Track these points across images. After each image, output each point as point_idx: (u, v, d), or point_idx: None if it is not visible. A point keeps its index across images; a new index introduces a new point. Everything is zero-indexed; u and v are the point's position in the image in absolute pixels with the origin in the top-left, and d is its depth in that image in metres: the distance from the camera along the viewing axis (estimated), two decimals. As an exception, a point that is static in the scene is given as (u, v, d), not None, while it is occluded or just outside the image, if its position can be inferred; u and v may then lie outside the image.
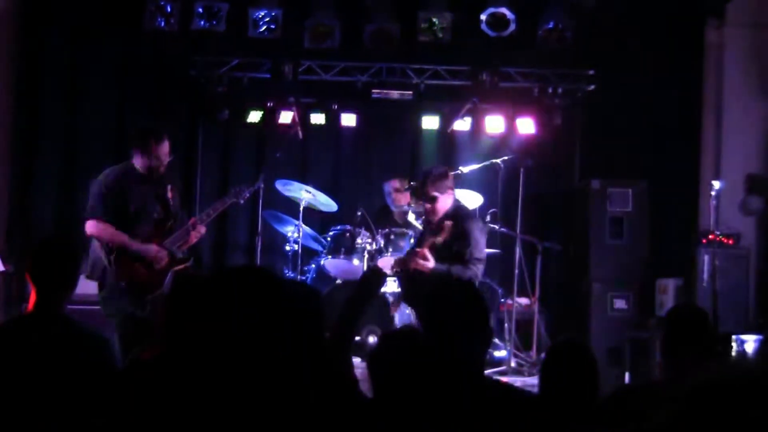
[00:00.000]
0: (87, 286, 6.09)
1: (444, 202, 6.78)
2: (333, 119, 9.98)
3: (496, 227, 8.88)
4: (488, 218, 8.82)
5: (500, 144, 9.91)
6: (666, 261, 9.27)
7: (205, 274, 2.51)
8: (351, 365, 3.63)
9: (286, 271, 9.02)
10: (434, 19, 9.53)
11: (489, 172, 9.00)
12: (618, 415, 3.56)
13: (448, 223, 6.56)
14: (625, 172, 9.68)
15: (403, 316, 8.07)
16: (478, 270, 6.71)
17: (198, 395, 2.35)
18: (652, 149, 10.02)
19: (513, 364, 8.48)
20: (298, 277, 8.91)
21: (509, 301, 8.80)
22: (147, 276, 6.19)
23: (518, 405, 3.21)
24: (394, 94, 9.90)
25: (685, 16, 9.96)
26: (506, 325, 8.78)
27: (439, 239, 6.54)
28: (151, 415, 2.48)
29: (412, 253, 6.76)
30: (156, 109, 9.68)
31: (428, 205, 6.80)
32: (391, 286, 8.00)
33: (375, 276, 3.93)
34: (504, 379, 7.35)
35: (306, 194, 8.90)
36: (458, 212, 6.84)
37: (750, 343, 7.15)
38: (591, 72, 9.85)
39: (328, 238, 8.81)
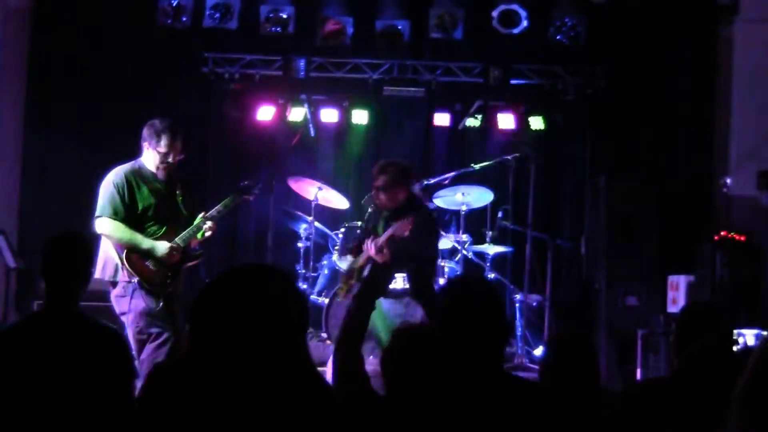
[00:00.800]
0: (101, 282, 6.13)
1: (401, 194, 6.84)
2: (344, 116, 9.99)
3: (507, 224, 8.88)
4: (499, 215, 8.82)
5: (511, 141, 9.89)
6: (677, 257, 9.24)
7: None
8: (362, 361, 3.63)
9: (298, 268, 9.04)
10: (445, 16, 9.53)
11: (500, 169, 9.02)
12: (631, 413, 3.56)
13: (410, 219, 6.51)
14: (636, 168, 9.67)
15: (414, 311, 8.08)
16: (432, 269, 6.74)
17: (218, 394, 2.36)
18: (663, 145, 10.02)
19: (524, 361, 8.48)
20: (309, 273, 8.93)
21: (520, 298, 8.81)
22: (159, 273, 6.19)
23: (539, 401, 3.20)
24: (406, 91, 9.89)
25: (697, 12, 9.93)
26: (517, 321, 8.78)
27: (398, 233, 6.49)
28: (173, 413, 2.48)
29: (372, 242, 6.59)
30: (168, 106, 9.68)
31: (378, 193, 6.86)
32: (399, 282, 8.00)
33: (384, 272, 3.94)
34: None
35: (317, 191, 8.91)
36: (414, 207, 6.84)
37: (750, 337, 7.12)
38: (602, 69, 9.82)
39: (340, 235, 8.82)
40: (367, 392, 3.31)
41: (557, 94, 9.88)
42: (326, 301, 8.25)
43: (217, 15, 9.43)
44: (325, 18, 9.57)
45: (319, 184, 8.96)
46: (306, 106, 9.81)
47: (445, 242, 8.73)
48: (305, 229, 9.03)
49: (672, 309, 8.66)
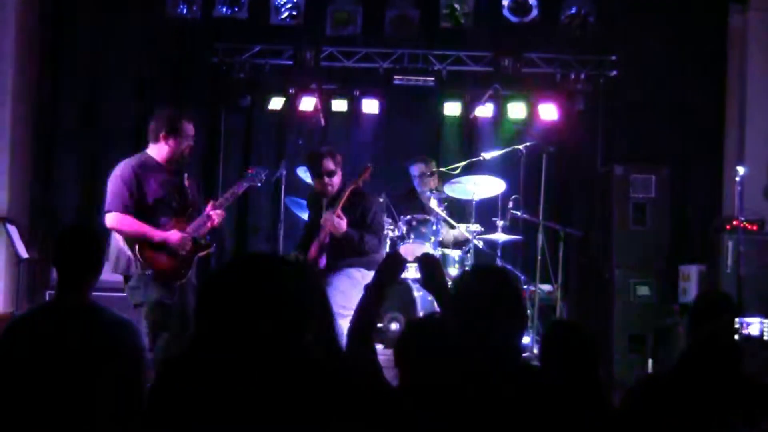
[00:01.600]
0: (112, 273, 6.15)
1: (339, 176, 7.13)
2: (355, 106, 9.97)
3: (519, 213, 8.86)
4: (510, 205, 8.80)
5: (522, 130, 9.86)
6: (689, 247, 9.24)
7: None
8: (374, 352, 3.62)
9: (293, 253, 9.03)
10: (456, 5, 9.50)
11: (511, 158, 8.98)
12: (642, 406, 3.55)
13: (351, 186, 6.98)
14: (647, 157, 9.65)
15: (426, 302, 8.08)
16: (381, 237, 7.27)
17: (229, 382, 2.35)
18: (675, 135, 10.00)
19: (536, 351, 8.46)
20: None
21: (531, 288, 8.79)
22: (172, 264, 6.21)
23: (555, 390, 3.19)
24: (416, 80, 9.87)
25: (708, 1, 9.89)
26: (529, 311, 8.76)
27: (357, 181, 7.03)
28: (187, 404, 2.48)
29: (327, 217, 6.95)
30: (178, 97, 9.69)
31: (327, 179, 7.06)
32: (411, 272, 7.99)
33: (395, 262, 3.93)
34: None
35: (328, 181, 8.89)
36: (357, 192, 7.11)
37: (755, 325, 7.10)
38: (613, 57, 9.80)
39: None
40: (380, 383, 3.30)
41: (569, 82, 9.83)
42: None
43: (227, 5, 9.42)
44: (335, 9, 9.56)
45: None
46: (316, 95, 9.79)
47: (457, 232, 8.72)
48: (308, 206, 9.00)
49: (683, 299, 8.65)
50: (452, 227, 8.68)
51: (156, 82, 9.96)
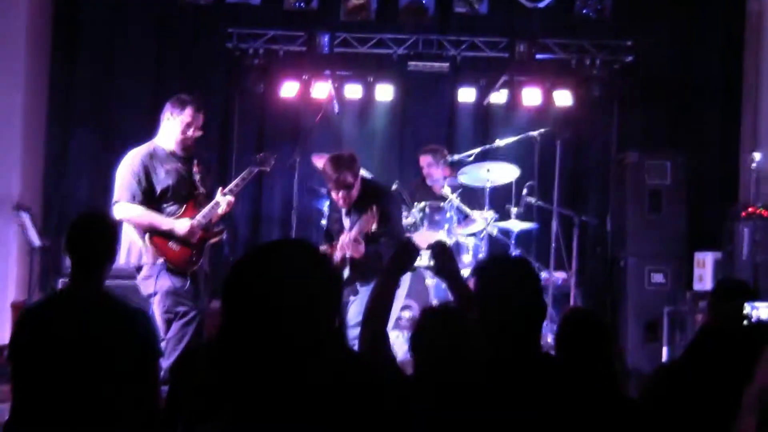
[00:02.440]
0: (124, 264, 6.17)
1: (357, 187, 6.67)
2: (368, 92, 9.96)
3: (533, 200, 8.84)
4: (524, 192, 8.78)
5: (537, 116, 9.84)
6: (704, 234, 9.19)
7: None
8: (388, 341, 3.61)
9: (323, 246, 9.01)
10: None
11: (526, 145, 8.97)
12: (661, 397, 3.55)
13: (374, 208, 6.42)
14: (663, 144, 9.64)
15: (439, 290, 8.08)
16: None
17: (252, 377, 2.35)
18: (691, 121, 9.98)
19: (549, 339, 8.45)
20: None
21: (546, 276, 8.77)
22: (183, 252, 6.23)
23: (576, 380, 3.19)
24: (430, 66, 9.84)
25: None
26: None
27: (371, 227, 6.45)
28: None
29: (344, 241, 6.61)
30: (192, 82, 9.68)
31: (343, 193, 6.64)
32: (424, 260, 7.98)
33: (408, 249, 3.92)
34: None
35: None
36: (372, 192, 6.75)
37: (764, 310, 7.07)
38: (629, 42, 9.74)
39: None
40: (395, 374, 3.30)
41: (584, 68, 9.78)
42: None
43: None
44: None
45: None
46: (330, 82, 9.78)
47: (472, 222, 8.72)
48: (329, 207, 9.00)
49: (698, 286, 8.62)
50: (466, 215, 8.66)
51: (169, 68, 9.97)
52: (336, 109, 9.91)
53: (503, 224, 8.68)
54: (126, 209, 6.18)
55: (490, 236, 8.69)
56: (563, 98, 9.78)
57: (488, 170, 8.67)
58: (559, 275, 8.95)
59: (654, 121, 9.96)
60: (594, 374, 3.61)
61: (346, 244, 6.55)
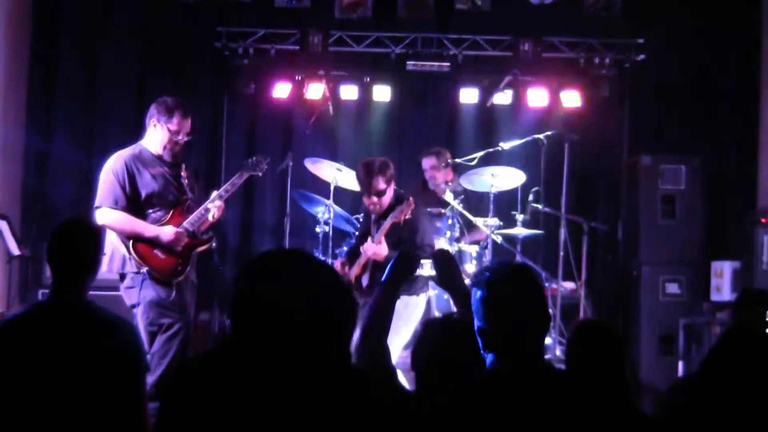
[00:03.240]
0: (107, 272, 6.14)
1: (389, 194, 6.87)
2: (365, 93, 9.96)
3: (540, 207, 8.83)
4: (531, 197, 8.77)
5: (543, 118, 9.83)
6: (722, 242, 9.20)
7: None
8: (387, 353, 3.60)
9: (317, 254, 9.01)
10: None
11: (531, 148, 8.95)
12: (678, 414, 3.54)
13: (409, 202, 6.68)
14: (677, 146, 9.62)
15: (440, 300, 8.06)
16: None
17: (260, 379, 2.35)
18: (706, 122, 9.97)
19: (558, 353, 8.44)
20: (330, 260, 8.90)
21: (554, 286, 8.76)
22: (168, 260, 6.20)
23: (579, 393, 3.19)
24: (430, 65, 9.84)
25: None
26: (551, 310, 8.73)
27: (401, 218, 6.67)
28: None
29: (368, 246, 6.82)
30: (179, 83, 9.69)
31: (375, 199, 6.85)
32: (426, 270, 7.97)
33: (409, 259, 3.92)
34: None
35: (337, 172, 8.88)
36: (392, 221, 6.82)
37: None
38: (640, 40, 9.75)
39: (360, 219, 8.79)
40: (394, 387, 3.29)
41: (592, 67, 9.79)
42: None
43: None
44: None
45: (338, 165, 8.92)
46: (324, 82, 9.78)
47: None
48: (324, 213, 9.01)
49: (716, 297, 8.60)
50: (469, 222, 8.66)
51: (156, 67, 9.95)
52: (330, 111, 9.91)
53: (508, 231, 8.67)
54: (108, 215, 6.15)
55: (494, 244, 8.68)
56: (571, 99, 9.77)
57: (492, 175, 8.65)
58: (568, 285, 8.93)
59: (666, 123, 9.96)
60: (605, 388, 3.60)
61: (368, 248, 6.76)
